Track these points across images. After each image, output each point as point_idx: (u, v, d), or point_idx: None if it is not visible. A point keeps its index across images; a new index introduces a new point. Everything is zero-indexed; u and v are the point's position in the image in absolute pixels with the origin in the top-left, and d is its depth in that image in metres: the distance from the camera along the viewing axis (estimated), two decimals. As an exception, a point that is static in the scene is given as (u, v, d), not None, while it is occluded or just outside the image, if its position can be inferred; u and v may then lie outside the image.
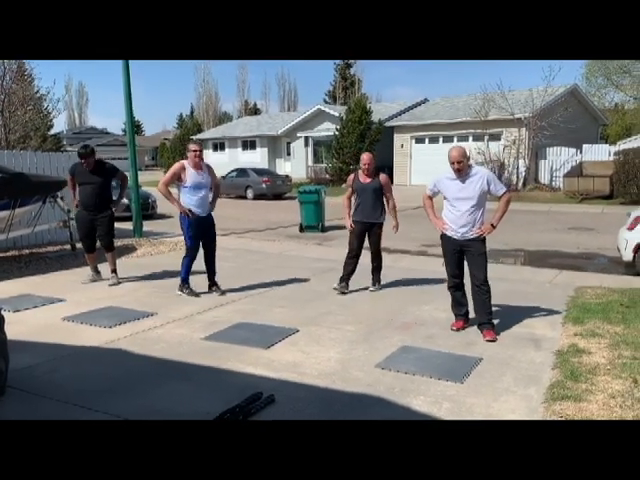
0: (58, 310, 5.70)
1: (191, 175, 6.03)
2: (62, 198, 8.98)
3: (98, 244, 7.02)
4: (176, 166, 6.14)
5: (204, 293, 6.34)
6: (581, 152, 21.30)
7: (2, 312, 3.89)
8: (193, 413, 3.34)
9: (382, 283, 6.63)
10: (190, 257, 6.24)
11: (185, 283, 6.30)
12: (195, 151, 6.01)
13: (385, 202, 6.37)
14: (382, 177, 6.35)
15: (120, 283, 6.85)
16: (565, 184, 19.90)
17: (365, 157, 6.30)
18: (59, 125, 63.92)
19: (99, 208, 6.73)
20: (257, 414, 3.34)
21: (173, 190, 6.23)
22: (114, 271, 6.93)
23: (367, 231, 6.36)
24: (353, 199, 6.49)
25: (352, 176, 6.54)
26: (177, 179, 6.07)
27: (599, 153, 21.03)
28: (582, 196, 18.63)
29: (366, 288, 6.54)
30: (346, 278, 6.42)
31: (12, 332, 4.08)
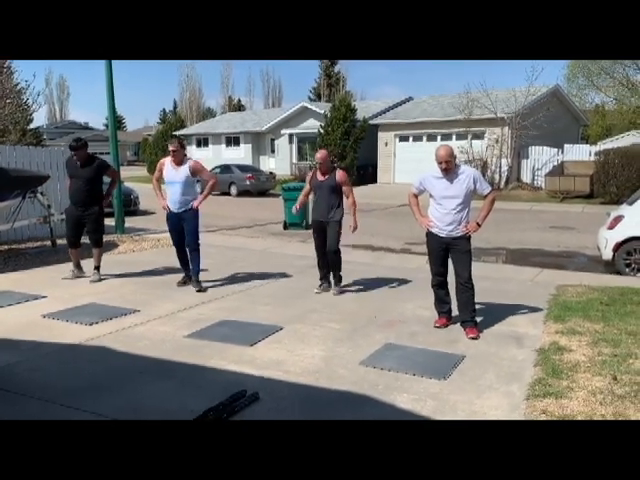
0: (39, 307, 5.61)
1: (167, 171, 6.36)
2: (42, 193, 8.85)
3: (83, 239, 6.94)
4: (160, 162, 6.53)
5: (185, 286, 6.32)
6: (562, 152, 21.56)
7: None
8: (177, 411, 3.32)
9: (366, 279, 6.65)
10: (176, 249, 6.61)
11: (184, 274, 6.67)
12: (170, 150, 6.26)
13: (345, 199, 6.24)
14: (339, 174, 6.19)
15: (102, 280, 6.77)
16: (547, 183, 20.13)
17: (318, 155, 6.18)
18: (39, 119, 63.13)
19: (88, 204, 6.64)
20: (241, 412, 3.32)
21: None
22: (97, 268, 6.84)
23: (324, 229, 6.23)
24: (312, 197, 6.42)
25: (311, 173, 6.46)
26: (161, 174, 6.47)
27: (580, 153, 21.32)
28: (563, 195, 18.87)
29: (350, 286, 6.55)
30: (324, 277, 6.42)
31: (-9, 329, 4.03)
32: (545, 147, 21.97)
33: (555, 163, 21.28)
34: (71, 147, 6.62)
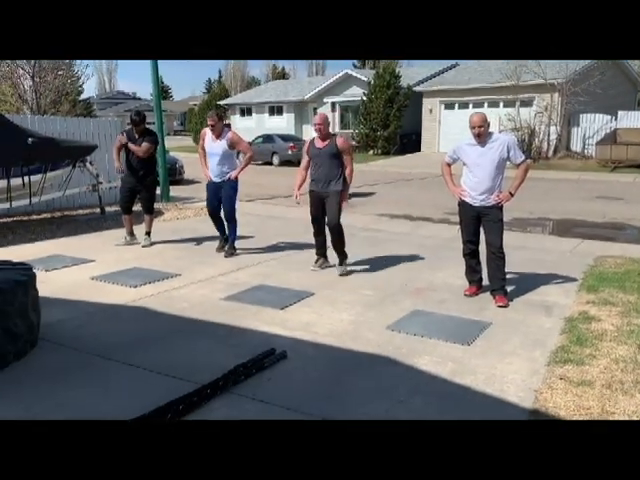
0: (87, 270, 5.97)
1: (207, 142, 6.61)
2: (91, 163, 9.25)
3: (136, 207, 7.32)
4: (202, 132, 6.75)
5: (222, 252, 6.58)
6: (616, 119, 20.63)
7: (35, 271, 4.16)
8: (208, 366, 3.54)
9: (400, 248, 6.67)
10: (209, 216, 6.91)
11: (220, 240, 6.93)
12: (209, 124, 6.45)
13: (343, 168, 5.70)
14: (339, 140, 5.63)
15: (152, 245, 7.15)
16: (597, 152, 19.39)
17: (316, 117, 5.66)
18: (89, 90, 64.49)
19: (145, 173, 7.03)
20: (269, 368, 3.52)
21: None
22: (148, 233, 7.23)
23: (323, 201, 5.75)
24: (311, 170, 5.83)
25: (307, 143, 5.88)
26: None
27: (635, 120, 20.32)
28: (614, 165, 18.15)
29: (384, 254, 6.62)
30: (320, 254, 6.04)
31: (44, 290, 4.34)
32: (597, 114, 21.06)
33: (607, 131, 20.40)
34: (132, 121, 6.99)
